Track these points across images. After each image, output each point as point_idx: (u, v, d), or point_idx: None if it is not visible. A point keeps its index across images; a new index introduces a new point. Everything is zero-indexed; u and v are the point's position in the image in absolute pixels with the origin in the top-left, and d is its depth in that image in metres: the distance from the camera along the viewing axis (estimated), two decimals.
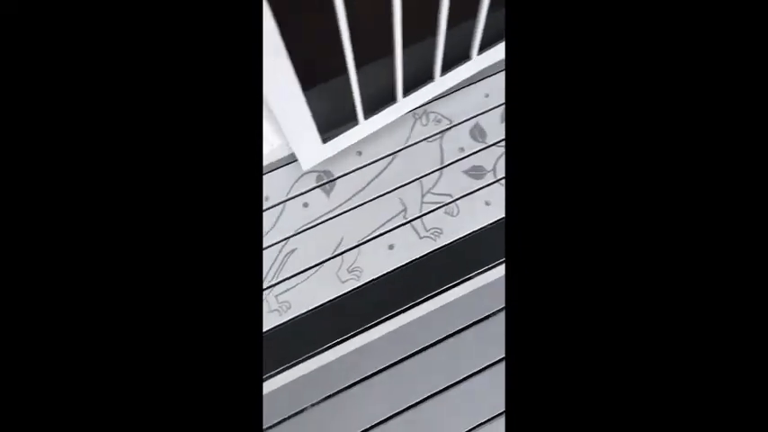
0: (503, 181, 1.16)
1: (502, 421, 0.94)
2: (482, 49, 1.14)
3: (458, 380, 0.98)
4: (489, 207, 1.13)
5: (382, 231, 1.12)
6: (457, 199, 1.14)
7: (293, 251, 1.10)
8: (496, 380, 0.97)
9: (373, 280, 1.07)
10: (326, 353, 1.01)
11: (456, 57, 1.13)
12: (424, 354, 1.00)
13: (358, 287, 1.06)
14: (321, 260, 1.09)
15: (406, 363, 1.00)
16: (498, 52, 1.20)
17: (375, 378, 0.98)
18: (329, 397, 0.97)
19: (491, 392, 0.96)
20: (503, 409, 0.95)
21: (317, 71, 0.87)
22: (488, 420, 0.94)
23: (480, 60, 1.18)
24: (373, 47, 0.91)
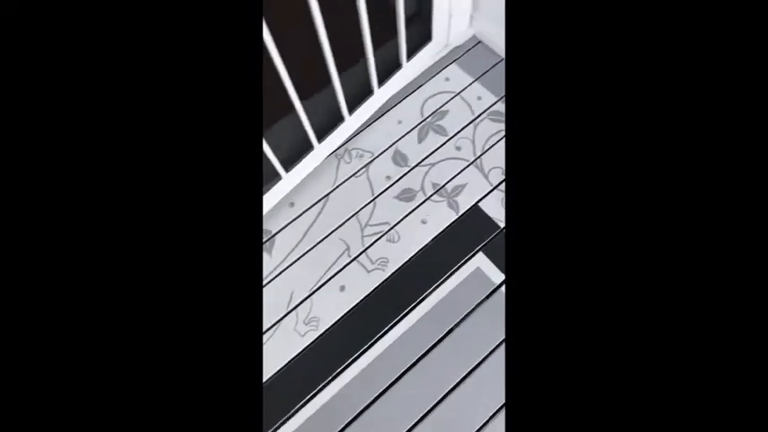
0: (434, 197, 1.20)
1: None
2: (381, 81, 1.21)
3: (444, 394, 0.99)
4: (426, 225, 1.17)
5: (330, 275, 1.13)
6: (395, 225, 1.17)
7: None
8: (478, 395, 0.99)
9: (332, 326, 1.07)
10: (299, 413, 0.99)
11: (358, 94, 1.19)
12: (398, 384, 1.00)
13: (319, 337, 1.06)
14: (277, 320, 1.09)
15: (381, 399, 0.99)
16: (399, 80, 1.26)
17: (354, 424, 0.98)
18: None
19: (475, 406, 0.98)
20: (481, 424, 0.96)
21: None
22: None
23: (384, 91, 1.24)
24: (272, 108, 0.94)
